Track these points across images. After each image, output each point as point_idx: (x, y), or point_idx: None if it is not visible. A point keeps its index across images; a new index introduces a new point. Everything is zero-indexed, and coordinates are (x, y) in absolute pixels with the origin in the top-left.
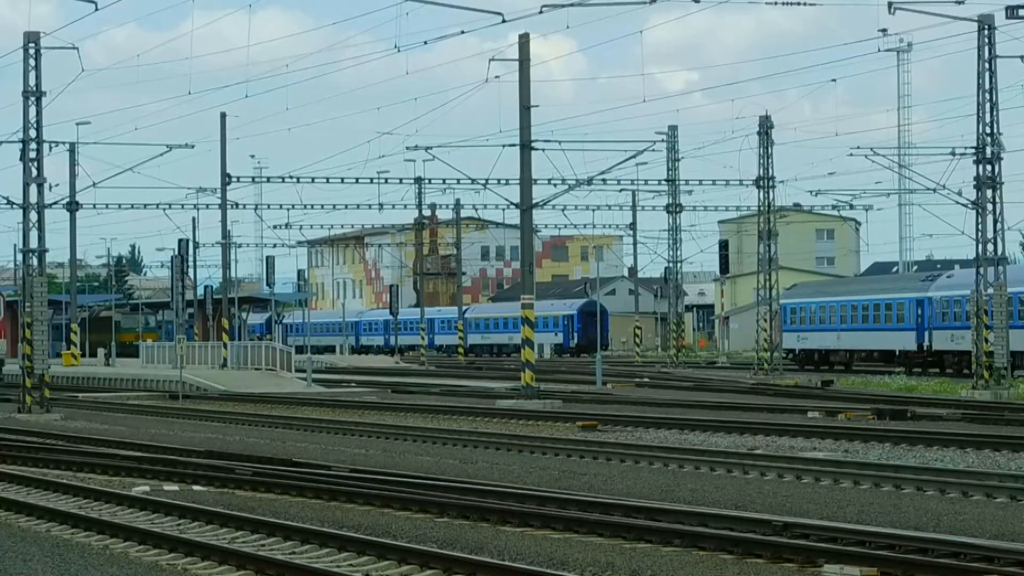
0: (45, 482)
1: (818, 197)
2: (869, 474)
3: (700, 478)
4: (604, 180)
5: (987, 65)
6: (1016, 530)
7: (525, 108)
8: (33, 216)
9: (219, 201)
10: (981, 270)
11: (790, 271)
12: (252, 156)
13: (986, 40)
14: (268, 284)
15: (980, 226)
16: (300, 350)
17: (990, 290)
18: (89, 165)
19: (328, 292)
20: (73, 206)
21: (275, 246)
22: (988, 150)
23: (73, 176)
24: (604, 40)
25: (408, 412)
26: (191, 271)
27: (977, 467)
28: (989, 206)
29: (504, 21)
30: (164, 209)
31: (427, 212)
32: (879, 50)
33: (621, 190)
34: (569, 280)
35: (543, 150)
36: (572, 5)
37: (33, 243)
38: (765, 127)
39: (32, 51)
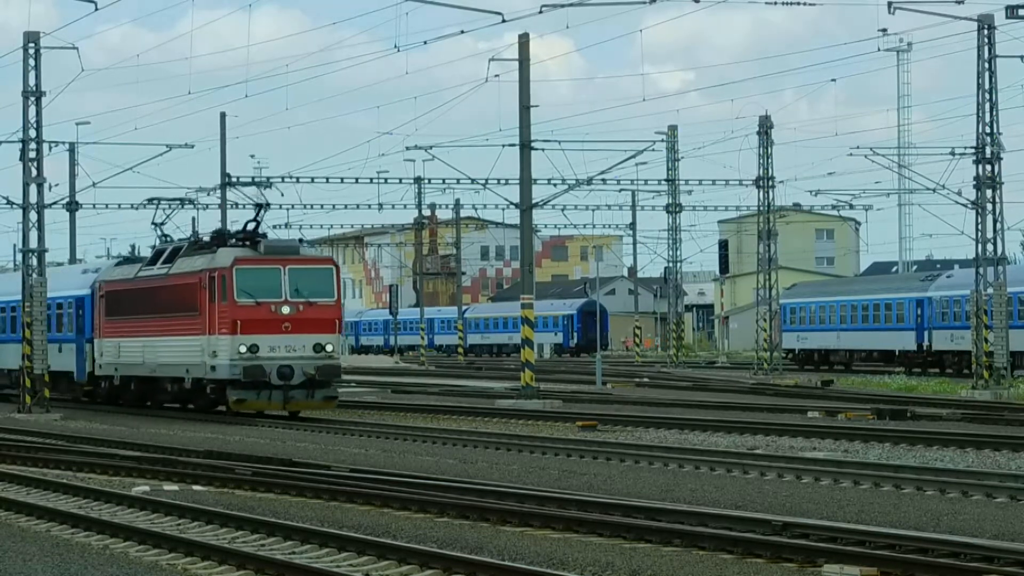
0: (45, 482)
1: (818, 197)
2: (869, 474)
3: (700, 478)
4: (604, 180)
5: (987, 65)
6: (1016, 530)
7: (525, 108)
8: (33, 216)
9: (219, 201)
10: (981, 270)
11: (790, 271)
12: (252, 156)
13: (986, 40)
14: None
15: (980, 226)
16: None
17: (990, 290)
18: (89, 165)
19: None
20: (73, 206)
21: None
22: (988, 150)
23: (73, 176)
24: (601, 40)
25: (408, 412)
26: None
27: (977, 467)
28: (989, 206)
29: (504, 21)
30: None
31: (427, 212)
32: (879, 49)
33: (621, 190)
34: (569, 280)
35: (543, 150)
36: (571, 5)
37: (33, 243)
38: (765, 127)
39: (32, 51)
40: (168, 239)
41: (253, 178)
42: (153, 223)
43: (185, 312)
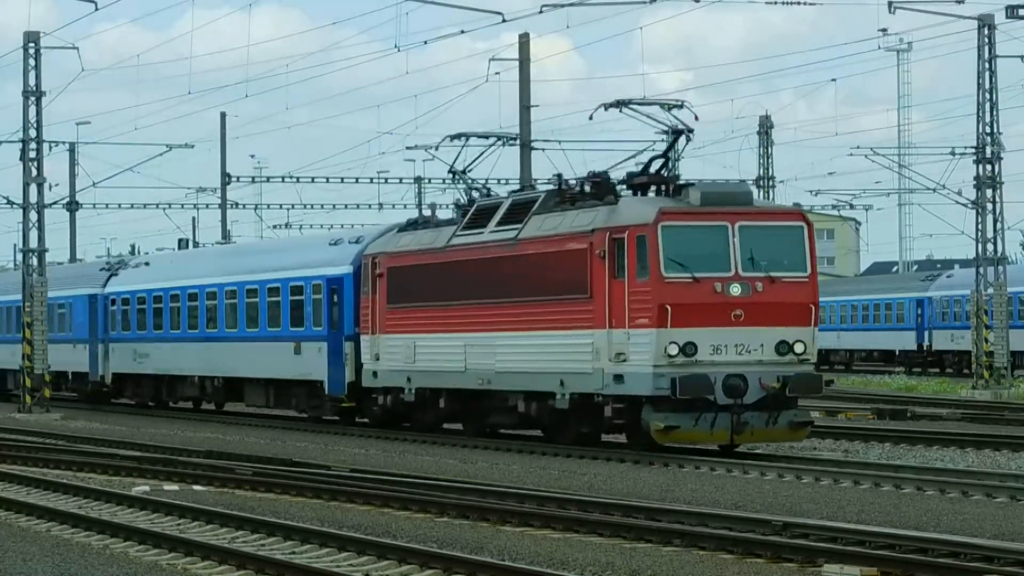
0: (45, 482)
1: (818, 197)
2: (869, 474)
3: (700, 478)
4: None
5: (987, 65)
6: (1016, 530)
7: (525, 108)
8: (33, 216)
9: (219, 201)
10: (981, 270)
11: None
12: (252, 156)
13: (986, 40)
14: None
15: (980, 226)
16: None
17: (990, 290)
18: (89, 165)
19: None
20: (73, 206)
21: None
22: (988, 150)
23: (73, 176)
24: (599, 39)
25: None
26: None
27: (977, 467)
28: (989, 206)
29: (504, 21)
30: (164, 209)
31: (427, 212)
32: (879, 48)
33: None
34: None
35: (543, 150)
36: (572, 5)
37: (33, 243)
38: (765, 127)
39: (32, 51)
40: (482, 191)
41: (253, 178)
42: (451, 170)
43: (558, 295)
